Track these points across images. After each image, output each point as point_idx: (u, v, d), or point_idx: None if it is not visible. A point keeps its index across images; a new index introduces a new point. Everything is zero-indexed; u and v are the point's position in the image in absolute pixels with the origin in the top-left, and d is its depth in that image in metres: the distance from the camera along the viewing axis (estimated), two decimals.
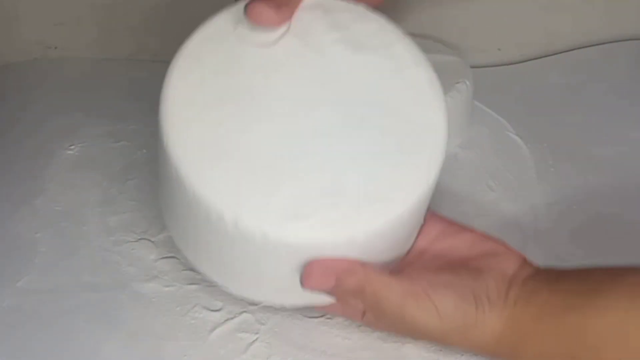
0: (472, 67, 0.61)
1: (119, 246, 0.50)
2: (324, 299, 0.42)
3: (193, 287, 0.48)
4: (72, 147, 0.57)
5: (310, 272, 0.39)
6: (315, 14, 0.43)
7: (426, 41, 0.63)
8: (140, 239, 0.50)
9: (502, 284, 0.41)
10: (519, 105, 0.63)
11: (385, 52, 0.43)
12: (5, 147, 0.57)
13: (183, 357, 0.44)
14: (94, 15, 0.64)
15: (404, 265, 0.44)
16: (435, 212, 0.46)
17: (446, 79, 0.58)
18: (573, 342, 0.38)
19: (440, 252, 0.44)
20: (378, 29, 0.43)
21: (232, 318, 0.46)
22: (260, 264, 0.40)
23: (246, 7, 0.40)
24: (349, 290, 0.40)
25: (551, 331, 0.39)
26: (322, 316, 0.46)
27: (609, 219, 0.53)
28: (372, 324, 0.44)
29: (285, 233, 0.38)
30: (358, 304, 0.41)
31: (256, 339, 0.45)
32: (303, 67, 0.42)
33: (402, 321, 0.40)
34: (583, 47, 0.68)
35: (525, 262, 0.43)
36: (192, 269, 0.47)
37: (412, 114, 0.41)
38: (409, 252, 0.44)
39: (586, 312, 0.38)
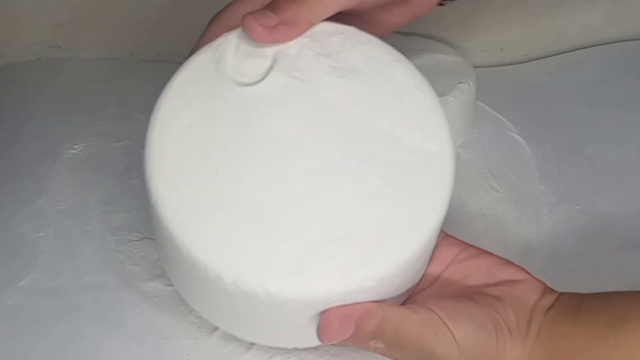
0: (475, 67, 0.61)
1: (122, 245, 0.50)
2: None
3: None
4: (76, 146, 0.57)
5: (327, 325, 0.37)
6: (303, 42, 0.40)
7: (429, 41, 0.63)
8: (143, 238, 0.50)
9: (524, 315, 0.39)
10: (522, 105, 0.63)
11: (382, 76, 0.40)
12: (8, 146, 0.58)
13: (186, 356, 0.44)
14: (98, 15, 0.64)
15: (416, 291, 0.42)
16: (448, 235, 0.43)
17: (449, 79, 0.59)
18: None
19: (455, 278, 0.42)
20: (372, 50, 0.41)
21: None
22: (269, 318, 0.38)
23: (243, 22, 0.39)
24: (369, 333, 0.38)
25: None
26: None
27: (611, 219, 0.53)
28: (391, 356, 0.41)
29: (289, 288, 0.35)
30: (378, 343, 0.39)
31: None
32: (295, 103, 0.39)
33: (421, 352, 0.38)
34: (586, 47, 0.68)
35: (546, 290, 0.41)
36: None
37: (416, 143, 0.38)
38: (425, 277, 0.42)
39: (611, 343, 0.37)
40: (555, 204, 0.55)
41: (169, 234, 0.36)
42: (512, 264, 0.42)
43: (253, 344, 0.44)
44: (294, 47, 0.40)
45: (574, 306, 0.39)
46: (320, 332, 0.37)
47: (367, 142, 0.38)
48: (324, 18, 0.41)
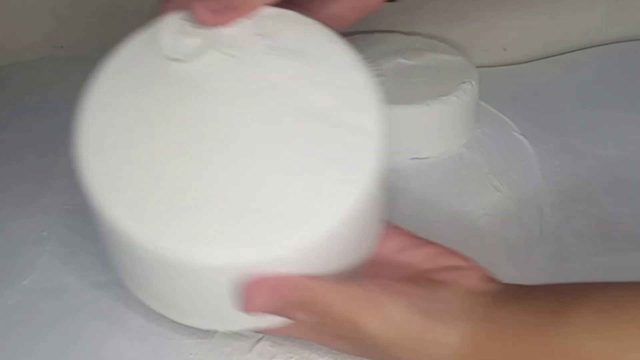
0: (478, 67, 0.61)
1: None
2: (270, 320, 0.40)
3: None
4: None
5: (252, 295, 0.37)
6: (241, 23, 0.41)
7: (432, 41, 0.63)
8: None
9: (464, 299, 0.39)
10: (525, 105, 0.63)
11: (318, 56, 0.40)
12: (12, 145, 0.58)
13: (189, 355, 0.44)
14: (102, 15, 0.64)
15: (362, 277, 0.41)
16: (398, 226, 0.44)
17: (451, 79, 0.59)
18: None
19: (402, 265, 0.42)
20: (309, 32, 0.41)
21: None
22: (191, 291, 0.38)
23: (192, 7, 0.40)
24: (296, 305, 0.38)
25: (513, 350, 0.37)
26: None
27: (614, 219, 0.53)
28: (327, 341, 0.41)
29: (207, 255, 0.36)
30: (310, 317, 0.38)
31: (261, 338, 0.45)
32: (227, 79, 0.40)
33: (354, 330, 0.37)
34: (588, 48, 0.68)
35: (489, 278, 0.41)
36: None
37: (343, 119, 0.39)
38: (369, 263, 0.42)
39: (549, 332, 0.36)
40: (558, 203, 0.55)
41: (91, 202, 0.37)
42: (458, 253, 0.42)
43: (255, 343, 0.44)
44: (232, 28, 0.41)
45: (517, 295, 0.39)
46: (244, 302, 0.37)
47: (295, 117, 0.39)
48: (268, 3, 0.42)
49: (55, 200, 0.53)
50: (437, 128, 0.58)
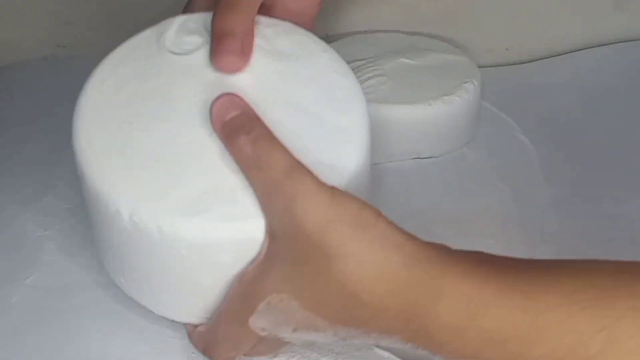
0: (480, 67, 0.61)
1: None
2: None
3: None
4: None
5: (221, 100, 0.39)
6: None
7: (434, 41, 0.63)
8: None
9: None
10: (527, 105, 0.63)
11: (307, 61, 0.43)
12: (14, 144, 0.58)
13: (191, 354, 0.44)
14: (104, 14, 0.64)
15: None
16: None
17: (454, 79, 0.59)
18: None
19: None
20: (302, 40, 0.44)
21: None
22: (164, 267, 0.39)
23: (211, 56, 0.41)
24: (242, 126, 0.38)
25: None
26: None
27: (616, 220, 0.53)
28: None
29: (181, 227, 0.37)
30: (252, 145, 0.37)
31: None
32: (219, 73, 0.41)
33: (290, 199, 0.35)
34: (591, 47, 0.68)
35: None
36: None
37: (327, 118, 0.41)
38: None
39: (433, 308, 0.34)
40: (560, 204, 0.55)
41: (81, 171, 0.39)
42: None
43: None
44: None
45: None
46: (213, 106, 0.39)
47: (280, 113, 0.40)
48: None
49: (57, 200, 0.53)
50: (439, 128, 0.58)
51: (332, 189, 0.35)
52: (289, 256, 0.36)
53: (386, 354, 0.44)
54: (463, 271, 0.34)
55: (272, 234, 0.37)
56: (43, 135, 0.58)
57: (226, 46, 0.41)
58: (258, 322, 0.38)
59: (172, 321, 0.46)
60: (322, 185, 0.35)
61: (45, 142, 0.58)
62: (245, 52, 0.41)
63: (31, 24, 0.66)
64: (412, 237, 0.35)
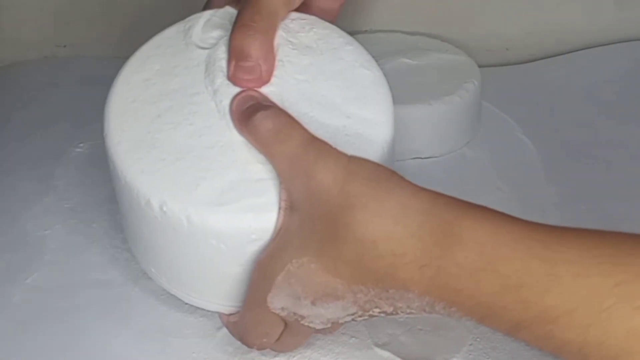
0: (480, 66, 0.61)
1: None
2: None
3: None
4: (82, 145, 0.57)
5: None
6: None
7: (434, 41, 0.63)
8: None
9: None
10: (527, 105, 0.63)
11: (333, 54, 0.43)
12: (15, 144, 0.58)
13: (192, 354, 0.44)
14: (104, 14, 0.65)
15: None
16: None
17: (454, 79, 0.59)
18: None
19: None
20: (327, 34, 0.44)
21: None
22: (192, 258, 0.40)
23: (229, 76, 0.41)
24: (260, 108, 0.39)
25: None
26: None
27: (617, 220, 0.53)
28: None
29: (209, 218, 0.38)
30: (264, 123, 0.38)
31: None
32: None
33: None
34: (591, 47, 0.68)
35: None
36: None
37: (352, 110, 0.41)
38: None
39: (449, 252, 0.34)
40: (561, 204, 0.55)
41: (113, 163, 0.40)
42: None
43: None
44: None
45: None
46: (233, 102, 0.40)
47: (306, 104, 0.41)
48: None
49: (57, 199, 0.53)
50: (440, 128, 0.58)
51: (350, 155, 0.37)
52: (307, 221, 0.37)
53: (386, 354, 0.44)
54: (479, 217, 0.35)
55: (291, 205, 0.37)
56: (43, 135, 0.58)
57: (245, 71, 0.41)
58: (276, 301, 0.38)
59: (174, 320, 0.46)
60: (340, 151, 0.37)
61: (44, 142, 0.58)
62: (264, 79, 0.41)
63: (31, 24, 0.66)
64: (426, 188, 0.36)
